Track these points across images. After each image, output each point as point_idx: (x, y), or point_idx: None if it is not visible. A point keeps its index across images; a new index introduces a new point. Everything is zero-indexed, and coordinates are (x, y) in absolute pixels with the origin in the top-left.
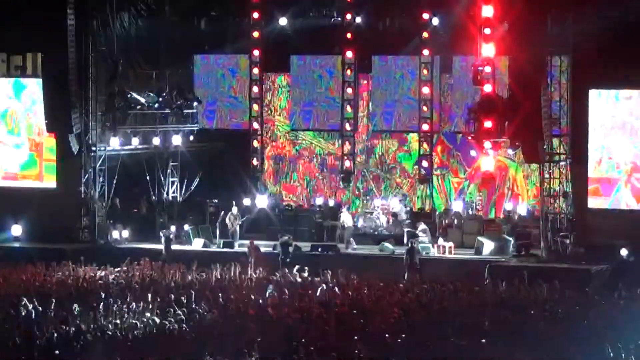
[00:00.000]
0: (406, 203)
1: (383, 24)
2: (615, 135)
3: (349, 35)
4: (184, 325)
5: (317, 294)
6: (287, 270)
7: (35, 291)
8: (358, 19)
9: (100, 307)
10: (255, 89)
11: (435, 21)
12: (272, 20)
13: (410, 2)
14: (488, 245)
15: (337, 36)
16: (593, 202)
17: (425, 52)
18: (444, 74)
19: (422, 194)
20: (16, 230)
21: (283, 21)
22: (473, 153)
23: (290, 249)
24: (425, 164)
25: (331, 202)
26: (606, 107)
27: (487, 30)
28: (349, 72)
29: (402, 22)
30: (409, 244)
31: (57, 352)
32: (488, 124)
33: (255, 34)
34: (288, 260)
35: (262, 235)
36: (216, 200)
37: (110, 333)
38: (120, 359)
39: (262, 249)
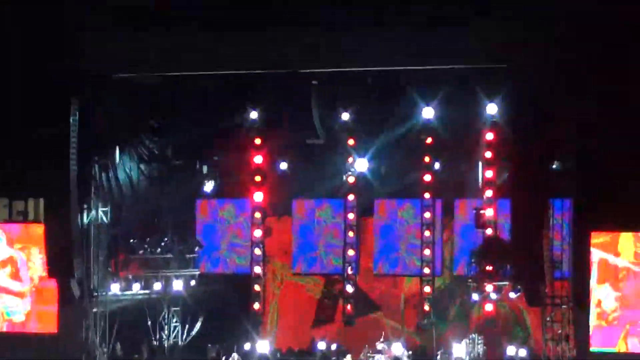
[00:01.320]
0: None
1: (385, 168)
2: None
3: (351, 180)
4: None
5: None
6: None
7: None
8: (361, 163)
9: None
10: (257, 232)
11: (437, 165)
12: (274, 165)
13: (411, 147)
14: None
15: (340, 181)
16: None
17: (427, 195)
18: (446, 217)
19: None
20: None
21: (283, 166)
22: (475, 297)
23: None
24: (427, 307)
25: (333, 346)
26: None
27: (489, 173)
28: (351, 215)
29: (403, 166)
30: None
31: None
32: (489, 267)
33: (257, 178)
34: None
35: None
36: (217, 345)
37: None
38: None
39: None
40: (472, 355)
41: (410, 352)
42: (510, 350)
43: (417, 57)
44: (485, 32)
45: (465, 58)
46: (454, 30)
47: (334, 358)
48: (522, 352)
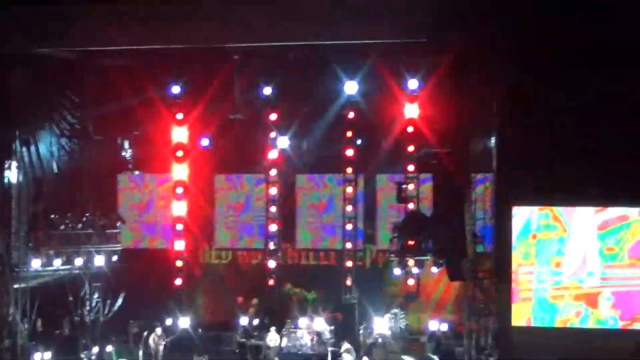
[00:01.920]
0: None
1: (307, 143)
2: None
3: (271, 155)
4: None
5: None
6: None
7: None
8: (283, 140)
9: None
10: (179, 208)
11: (359, 140)
12: (196, 140)
13: (335, 122)
14: None
15: (263, 157)
16: (518, 319)
17: (349, 169)
18: (367, 192)
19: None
20: None
21: (205, 142)
22: (397, 272)
23: None
24: (349, 282)
25: (255, 321)
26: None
27: (411, 147)
28: (273, 190)
29: (325, 141)
30: None
31: None
32: (411, 241)
33: (179, 153)
34: None
35: (186, 355)
36: (139, 321)
37: None
38: None
39: None
40: (394, 329)
41: (332, 328)
42: (432, 325)
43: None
44: (406, 5)
45: (388, 32)
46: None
47: (256, 333)
48: (444, 327)
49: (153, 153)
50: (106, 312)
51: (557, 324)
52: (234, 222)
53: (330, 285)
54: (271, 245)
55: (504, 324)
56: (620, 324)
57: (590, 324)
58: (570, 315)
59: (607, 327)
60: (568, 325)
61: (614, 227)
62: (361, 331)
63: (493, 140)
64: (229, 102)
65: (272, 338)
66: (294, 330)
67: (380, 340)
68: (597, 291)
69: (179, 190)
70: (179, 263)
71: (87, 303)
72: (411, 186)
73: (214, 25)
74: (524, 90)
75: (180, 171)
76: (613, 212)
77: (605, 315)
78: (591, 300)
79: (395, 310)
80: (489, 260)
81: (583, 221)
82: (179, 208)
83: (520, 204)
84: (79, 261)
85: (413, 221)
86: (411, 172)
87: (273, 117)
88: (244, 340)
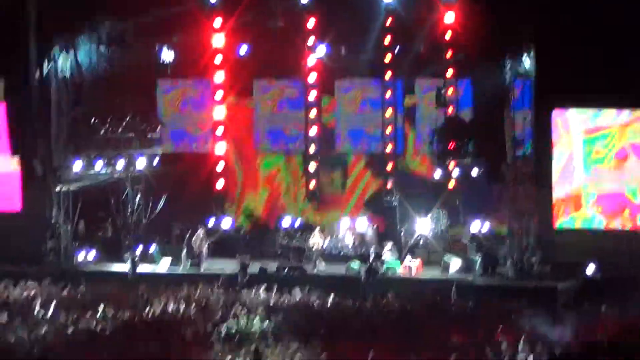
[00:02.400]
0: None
1: (346, 49)
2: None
3: (312, 60)
4: None
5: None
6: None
7: None
8: (321, 46)
9: None
10: (220, 112)
11: (398, 46)
12: (235, 47)
13: (372, 27)
14: (454, 264)
15: (301, 61)
16: (560, 221)
17: (388, 74)
18: (408, 96)
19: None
20: None
21: (243, 50)
22: (437, 174)
23: (248, 270)
24: (389, 185)
25: (297, 223)
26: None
27: (450, 53)
28: (313, 93)
29: (364, 46)
30: (368, 264)
31: None
32: (452, 145)
33: (218, 59)
34: (245, 280)
35: (229, 256)
36: (182, 223)
37: None
38: None
39: (228, 271)
40: (435, 230)
41: (375, 227)
42: (474, 225)
43: None
44: None
45: None
46: None
47: (298, 234)
48: (486, 228)
49: (192, 59)
50: (148, 214)
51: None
52: (274, 126)
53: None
54: (311, 149)
55: (544, 225)
56: None
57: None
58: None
59: None
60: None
61: None
62: (403, 232)
63: (531, 44)
64: (268, 9)
65: (314, 239)
66: (337, 231)
67: (422, 241)
68: None
69: (218, 94)
70: (219, 166)
71: (129, 205)
72: (450, 90)
73: None
74: None
75: (219, 76)
76: None
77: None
78: None
79: (437, 211)
80: (529, 163)
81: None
82: (219, 112)
83: (559, 106)
84: (120, 164)
85: (453, 125)
86: (450, 77)
87: (311, 23)
88: (286, 241)
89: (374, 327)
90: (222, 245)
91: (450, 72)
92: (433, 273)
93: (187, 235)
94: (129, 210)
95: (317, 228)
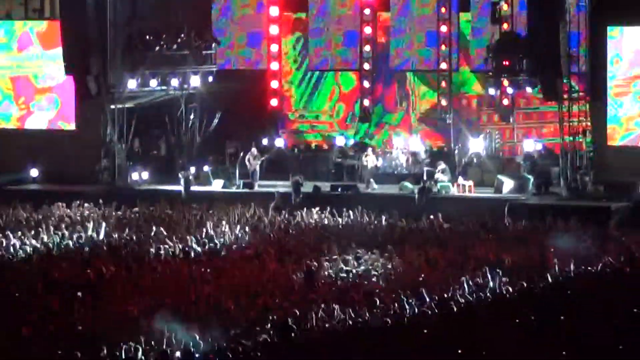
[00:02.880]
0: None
1: None
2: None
3: None
4: None
5: None
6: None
7: None
8: None
9: None
10: (274, 29)
11: None
12: None
13: None
14: (508, 184)
15: None
16: (613, 140)
17: None
18: (462, 12)
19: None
20: (33, 172)
21: None
22: (492, 91)
23: (302, 189)
24: (444, 102)
25: (351, 142)
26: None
27: None
28: (367, 10)
29: None
30: (421, 184)
31: None
32: (506, 61)
33: None
34: (299, 199)
35: (282, 175)
36: (236, 141)
37: None
38: None
39: (281, 190)
40: (489, 149)
41: (428, 147)
42: (528, 144)
43: None
44: None
45: None
46: None
47: (351, 153)
48: (539, 146)
49: None
50: (202, 132)
51: None
52: (326, 43)
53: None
54: (366, 66)
55: (599, 143)
56: None
57: None
58: None
59: None
60: None
61: None
62: (456, 151)
63: None
64: None
65: (368, 158)
66: (390, 150)
67: (475, 160)
68: None
69: (274, 10)
70: (273, 84)
71: (183, 124)
72: (505, 6)
73: None
74: None
75: None
76: None
77: None
78: None
79: (490, 130)
80: (584, 80)
81: None
82: (274, 29)
83: (614, 23)
84: (174, 82)
85: (508, 41)
86: None
87: None
88: (340, 159)
89: (427, 245)
90: (275, 165)
91: None
92: (486, 193)
93: (241, 154)
94: (183, 128)
95: (370, 147)
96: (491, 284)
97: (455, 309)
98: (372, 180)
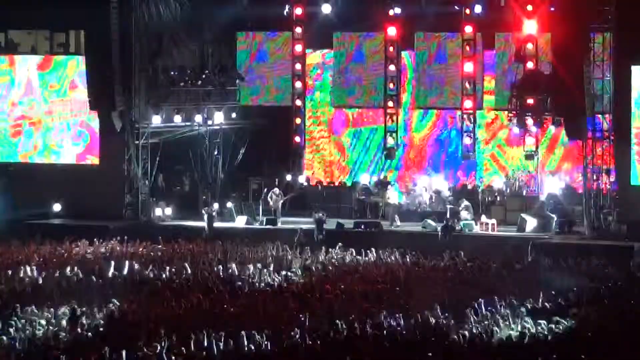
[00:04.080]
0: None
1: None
2: None
3: (391, 12)
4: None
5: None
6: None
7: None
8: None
9: None
10: (298, 65)
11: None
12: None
13: None
14: (531, 223)
15: (380, 14)
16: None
17: (468, 28)
18: (486, 51)
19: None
20: (57, 207)
21: (326, 8)
22: (515, 130)
23: (325, 226)
24: (468, 140)
25: (375, 179)
26: None
27: (530, 7)
28: (391, 48)
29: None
30: (445, 222)
31: None
32: (530, 100)
33: (298, 11)
34: (321, 237)
35: (305, 212)
36: (259, 178)
37: None
38: None
39: (304, 227)
40: (512, 188)
41: (451, 186)
42: (551, 183)
43: None
44: None
45: None
46: None
47: (375, 190)
48: (562, 185)
49: (272, 11)
50: (226, 168)
51: None
52: (351, 80)
53: None
54: (389, 104)
55: (623, 183)
56: None
57: None
58: None
59: None
60: None
61: None
62: (480, 189)
63: None
64: None
65: (390, 195)
66: (413, 188)
67: (498, 198)
68: None
69: (298, 48)
70: (297, 120)
71: (207, 159)
72: (530, 45)
73: None
74: None
75: (298, 29)
76: None
77: None
78: None
79: (514, 170)
80: (608, 119)
81: None
82: (299, 66)
83: (639, 62)
84: (198, 118)
85: (532, 80)
86: (530, 31)
87: None
88: (363, 197)
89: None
90: (298, 201)
91: (530, 26)
92: (509, 231)
93: (265, 191)
94: (207, 164)
95: (392, 184)
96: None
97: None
98: (396, 217)
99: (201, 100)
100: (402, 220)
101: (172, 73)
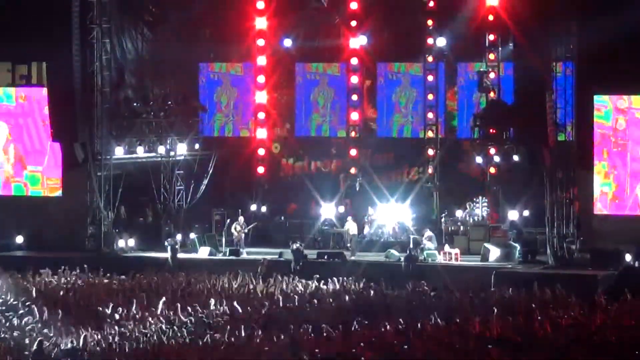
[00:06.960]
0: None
1: (388, 32)
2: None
3: (353, 44)
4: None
5: None
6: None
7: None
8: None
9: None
10: (261, 96)
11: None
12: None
13: (414, 10)
14: (494, 252)
15: (342, 46)
16: (600, 208)
17: (430, 58)
18: (449, 81)
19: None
20: (19, 238)
21: (288, 42)
22: (478, 160)
23: (302, 256)
24: (430, 170)
25: (337, 210)
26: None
27: (492, 37)
28: (354, 78)
29: (407, 30)
30: (408, 252)
31: None
32: (493, 130)
33: (260, 42)
34: (298, 267)
35: (268, 243)
36: (222, 209)
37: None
38: None
39: (268, 257)
40: (475, 218)
41: (414, 216)
42: (513, 213)
43: None
44: None
45: None
46: None
47: (337, 221)
48: (526, 213)
49: (234, 43)
50: (189, 199)
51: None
52: (315, 111)
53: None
54: (352, 134)
55: (585, 212)
56: None
57: None
58: None
59: None
60: None
61: None
62: (443, 219)
63: (573, 29)
64: None
65: (350, 226)
66: (376, 218)
67: (461, 227)
68: None
69: (261, 78)
70: (261, 151)
71: (170, 190)
72: (492, 75)
73: None
74: None
75: (261, 60)
76: None
77: None
78: None
79: (477, 199)
80: (570, 148)
81: None
82: (261, 96)
83: (601, 92)
84: (161, 149)
85: (495, 110)
86: (492, 61)
87: (354, 5)
88: (326, 227)
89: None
90: (261, 232)
91: (492, 56)
92: (472, 261)
93: (227, 221)
94: (170, 195)
95: (350, 216)
96: None
97: None
98: (356, 247)
99: (164, 131)
100: (364, 250)
101: (134, 105)
